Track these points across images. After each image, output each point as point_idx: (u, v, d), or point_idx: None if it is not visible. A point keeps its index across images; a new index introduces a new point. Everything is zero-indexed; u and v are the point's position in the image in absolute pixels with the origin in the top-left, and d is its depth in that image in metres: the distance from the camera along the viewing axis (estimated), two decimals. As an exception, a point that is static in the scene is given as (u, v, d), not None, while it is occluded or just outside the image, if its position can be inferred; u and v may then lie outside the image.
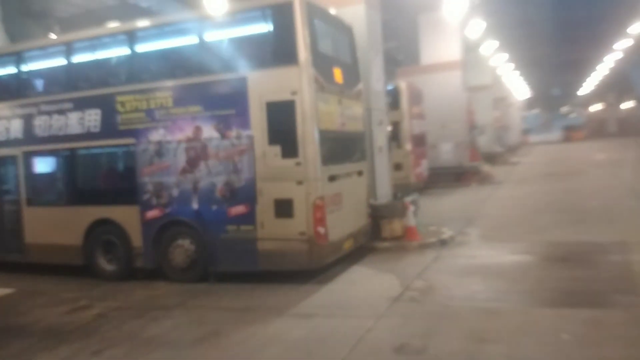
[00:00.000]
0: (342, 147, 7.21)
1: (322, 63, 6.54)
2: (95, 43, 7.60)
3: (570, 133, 51.18)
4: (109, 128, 7.24)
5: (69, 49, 7.62)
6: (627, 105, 53.36)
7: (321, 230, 6.25)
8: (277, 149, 6.27)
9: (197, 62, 6.83)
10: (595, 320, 4.47)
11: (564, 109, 63.79)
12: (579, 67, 42.14)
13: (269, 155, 6.31)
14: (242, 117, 6.44)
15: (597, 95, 56.15)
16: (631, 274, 5.77)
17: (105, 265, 7.41)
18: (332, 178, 6.66)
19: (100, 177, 7.96)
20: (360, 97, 7.90)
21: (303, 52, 6.15)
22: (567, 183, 15.35)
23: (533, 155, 31.52)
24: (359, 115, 7.81)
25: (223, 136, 6.55)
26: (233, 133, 6.49)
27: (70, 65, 7.68)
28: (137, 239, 7.11)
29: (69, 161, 7.71)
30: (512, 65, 32.89)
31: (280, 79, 6.31)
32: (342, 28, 7.65)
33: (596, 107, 58.23)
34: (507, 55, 28.80)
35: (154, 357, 4.46)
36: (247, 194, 6.44)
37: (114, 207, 7.32)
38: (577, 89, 56.40)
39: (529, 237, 8.25)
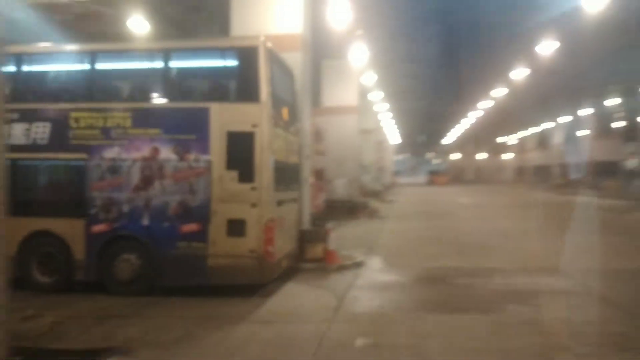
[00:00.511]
0: (286, 176, 8.13)
1: (275, 102, 7.47)
2: (54, 58, 7.73)
3: (434, 177, 57.15)
4: (58, 141, 7.37)
5: (23, 61, 7.64)
6: (481, 155, 61.18)
7: (270, 249, 7.05)
8: (234, 174, 7.01)
9: (162, 88, 7.36)
10: (478, 321, 5.88)
11: (429, 155, 71.05)
12: (446, 119, 47.80)
13: (225, 179, 7.01)
14: (202, 142, 7.08)
15: (458, 145, 63.51)
16: (496, 291, 7.40)
17: (40, 277, 7.36)
18: (279, 203, 7.53)
19: (42, 189, 7.90)
20: (298, 133, 8.95)
21: (264, 91, 7.04)
22: (442, 221, 17.72)
23: (404, 196, 34.83)
24: (296, 149, 8.84)
25: (181, 159, 7.11)
26: (192, 156, 7.09)
27: (22, 76, 7.69)
28: (79, 251, 7.24)
29: (9, 171, 7.56)
30: (390, 113, 36.48)
31: (242, 113, 7.11)
32: (288, 72, 8.69)
33: (456, 156, 65.74)
34: (388, 104, 32.04)
35: (146, 354, 4.89)
36: (201, 214, 7.03)
37: (55, 219, 7.37)
38: (442, 138, 63.30)
39: (424, 263, 9.78)
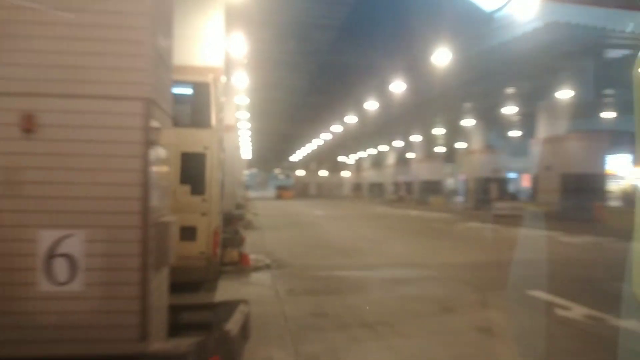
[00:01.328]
0: (221, 190, 9.55)
1: (220, 126, 8.94)
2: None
3: (282, 192, 60.36)
4: None
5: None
6: (323, 172, 66.31)
7: (217, 251, 8.46)
8: (187, 188, 8.28)
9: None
10: (384, 297, 8.17)
11: (277, 171, 74.44)
12: (295, 138, 51.24)
13: (179, 192, 8.24)
14: (158, 160, 8.23)
15: (304, 162, 67.89)
16: (384, 279, 9.85)
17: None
18: (219, 213, 8.96)
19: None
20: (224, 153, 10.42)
21: (214, 119, 8.49)
22: (311, 230, 20.14)
23: (262, 209, 36.90)
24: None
25: (138, 174, 8.16)
26: (148, 172, 8.19)
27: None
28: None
29: None
30: (249, 131, 38.48)
31: (195, 137, 8.43)
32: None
33: (301, 172, 70.14)
34: (250, 123, 34.02)
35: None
36: (155, 221, 8.15)
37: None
38: (290, 155, 67.06)
39: (320, 262, 11.90)
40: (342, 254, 13.25)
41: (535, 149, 26.83)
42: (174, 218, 4.02)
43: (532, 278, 9.69)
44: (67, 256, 3.10)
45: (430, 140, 42.40)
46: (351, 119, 33.35)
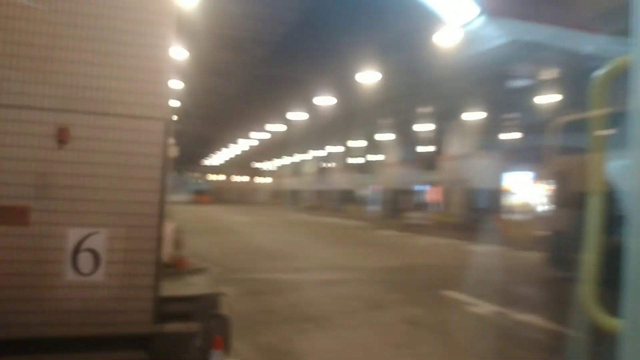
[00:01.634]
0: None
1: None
2: None
3: (199, 197, 59.55)
4: None
5: None
6: (242, 178, 66.32)
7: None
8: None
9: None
10: (320, 294, 9.06)
11: (194, 175, 73.17)
12: (213, 142, 51.00)
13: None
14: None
15: (222, 167, 67.44)
16: (315, 280, 10.75)
17: None
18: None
19: None
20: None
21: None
22: (236, 236, 20.61)
23: (181, 213, 36.41)
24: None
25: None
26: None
27: None
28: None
29: None
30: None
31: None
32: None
33: (218, 177, 69.56)
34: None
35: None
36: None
37: None
38: (205, 158, 66.32)
39: (253, 265, 12.53)
40: (271, 259, 13.96)
41: (444, 164, 29.25)
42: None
43: (444, 280, 11.05)
44: (92, 251, 3.62)
45: (348, 152, 44.27)
46: (275, 127, 34.15)
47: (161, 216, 3.80)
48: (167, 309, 4.48)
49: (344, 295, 9.23)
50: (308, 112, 28.28)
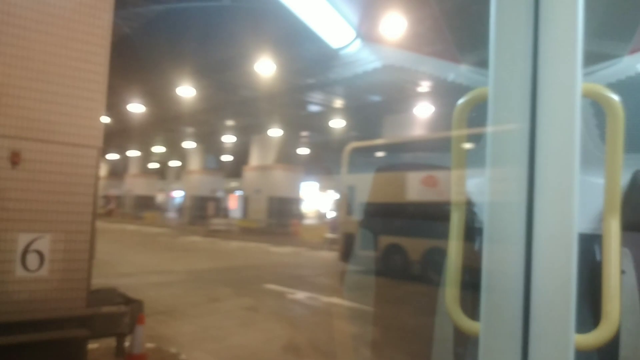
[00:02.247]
0: None
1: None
2: None
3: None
4: None
5: None
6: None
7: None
8: None
9: None
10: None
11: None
12: None
13: None
14: None
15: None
16: (149, 283, 11.66)
17: None
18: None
19: None
20: None
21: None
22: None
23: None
24: None
25: None
26: None
27: None
28: None
29: None
30: None
31: None
32: None
33: None
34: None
35: None
36: None
37: None
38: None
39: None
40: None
41: (247, 173, 31.55)
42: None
43: (262, 276, 13.01)
44: (38, 252, 4.45)
45: (148, 157, 43.43)
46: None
47: (93, 223, 4.80)
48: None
49: (180, 293, 10.41)
50: (111, 117, 27.53)
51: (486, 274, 1.06)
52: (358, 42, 13.64)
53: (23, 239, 4.40)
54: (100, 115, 4.90)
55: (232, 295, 10.41)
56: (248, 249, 21.47)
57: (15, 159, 4.37)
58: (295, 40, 14.62)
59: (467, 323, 1.27)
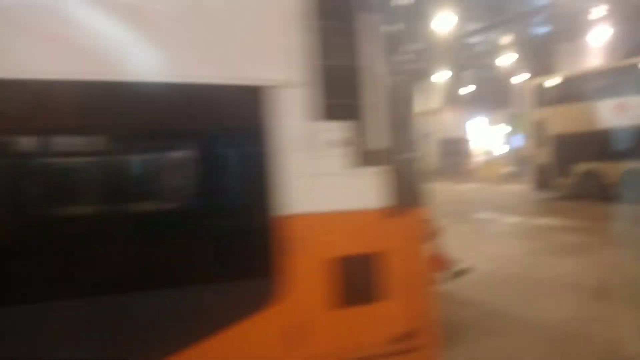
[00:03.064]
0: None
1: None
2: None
3: None
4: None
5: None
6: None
7: None
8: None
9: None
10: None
11: None
12: None
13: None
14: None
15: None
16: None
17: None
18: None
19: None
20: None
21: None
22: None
23: None
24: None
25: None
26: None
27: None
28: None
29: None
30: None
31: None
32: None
33: None
34: None
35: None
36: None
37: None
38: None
39: None
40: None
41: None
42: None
43: (464, 209, 14.91)
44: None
45: None
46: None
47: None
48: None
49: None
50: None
51: None
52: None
53: None
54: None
55: (453, 224, 12.59)
56: (432, 188, 23.48)
57: None
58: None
59: None
